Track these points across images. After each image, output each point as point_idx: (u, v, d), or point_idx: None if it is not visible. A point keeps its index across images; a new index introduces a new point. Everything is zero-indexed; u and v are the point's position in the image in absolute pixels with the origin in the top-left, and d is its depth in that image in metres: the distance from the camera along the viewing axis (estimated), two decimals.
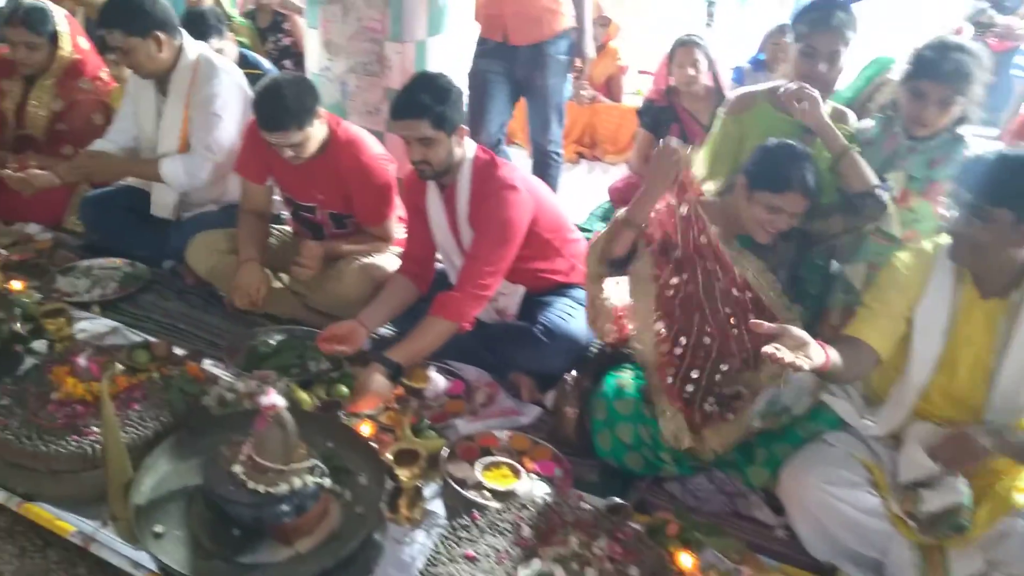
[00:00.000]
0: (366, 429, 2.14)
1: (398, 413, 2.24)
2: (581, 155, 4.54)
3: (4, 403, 2.09)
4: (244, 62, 3.48)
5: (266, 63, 3.85)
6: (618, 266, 2.14)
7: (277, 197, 2.87)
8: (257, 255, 2.68)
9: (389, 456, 2.03)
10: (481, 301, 2.36)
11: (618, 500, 1.93)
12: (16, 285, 2.66)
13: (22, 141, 3.25)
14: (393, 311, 2.51)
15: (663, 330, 2.09)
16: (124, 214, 3.08)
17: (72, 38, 3.24)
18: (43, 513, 1.86)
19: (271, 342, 2.55)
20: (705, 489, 2.07)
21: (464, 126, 2.34)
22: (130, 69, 2.81)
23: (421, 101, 2.24)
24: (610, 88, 4.66)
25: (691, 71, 3.63)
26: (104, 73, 3.31)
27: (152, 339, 2.48)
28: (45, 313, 2.49)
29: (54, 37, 3.15)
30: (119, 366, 2.18)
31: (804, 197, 2.02)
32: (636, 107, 4.53)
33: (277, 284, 2.78)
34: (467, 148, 2.40)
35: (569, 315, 2.46)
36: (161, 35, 2.76)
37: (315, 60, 3.21)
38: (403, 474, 1.99)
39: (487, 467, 2.07)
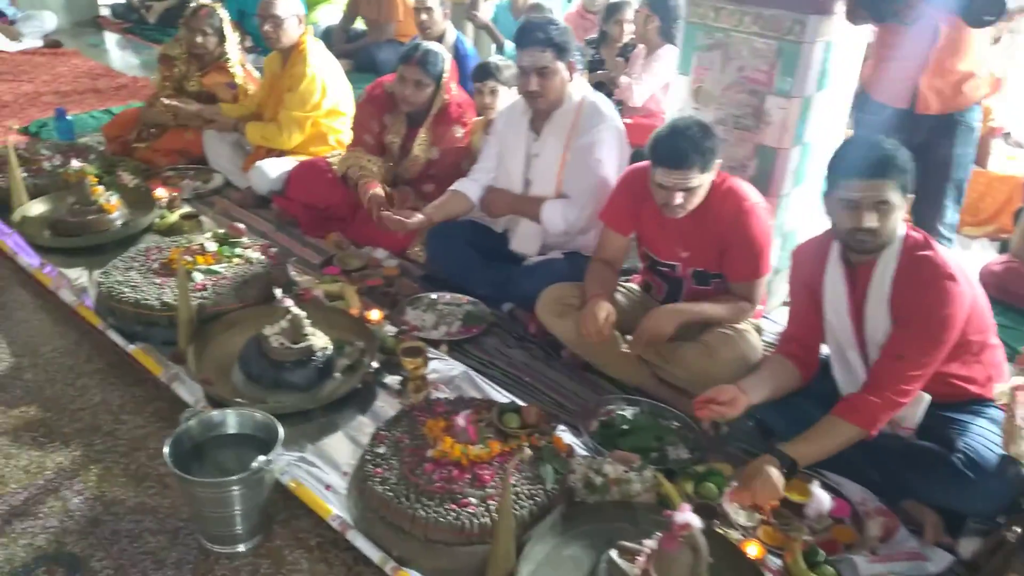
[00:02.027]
0: (753, 550, 1.86)
1: (788, 536, 1.94)
2: None
3: (381, 451, 2.04)
4: None
5: None
6: None
7: None
8: (605, 293, 2.52)
9: None
10: (896, 408, 2.02)
11: None
12: (374, 315, 2.68)
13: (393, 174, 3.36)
14: (776, 391, 2.21)
15: None
16: (468, 249, 3.04)
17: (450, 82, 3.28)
18: None
19: (625, 415, 2.35)
20: None
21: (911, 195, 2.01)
22: (534, 96, 2.72)
23: (896, 163, 1.95)
24: (978, 150, 4.05)
25: None
26: (469, 117, 3.32)
27: (518, 401, 2.36)
28: (405, 351, 2.46)
29: (439, 80, 3.19)
30: (524, 451, 2.05)
31: None
32: (1010, 175, 3.93)
33: (624, 348, 2.57)
34: (899, 225, 2.06)
35: (996, 444, 2.03)
36: (573, 62, 2.73)
37: (678, 108, 3.00)
38: None
39: None
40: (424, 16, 4.45)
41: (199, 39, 3.92)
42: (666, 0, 4.12)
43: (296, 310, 2.34)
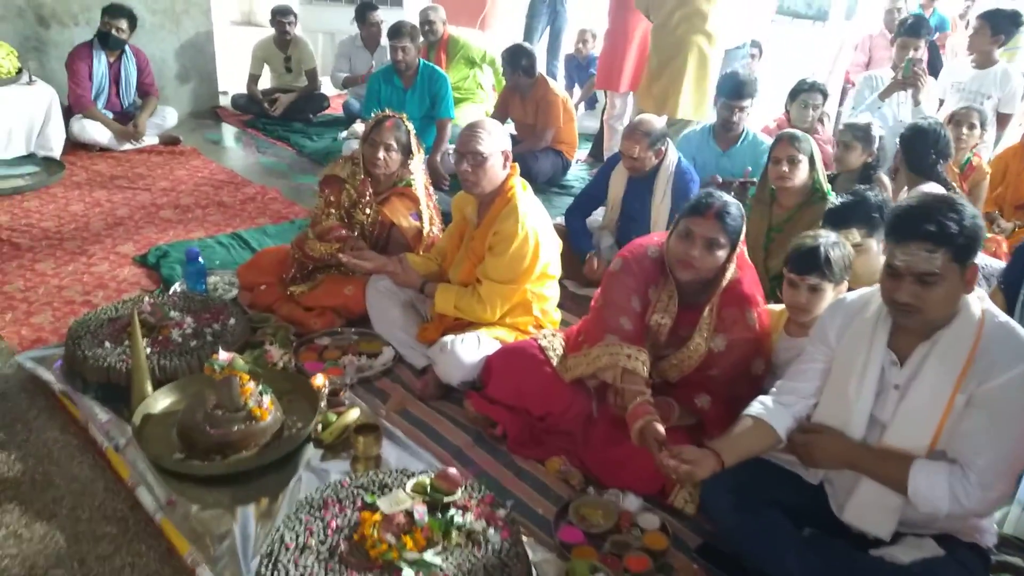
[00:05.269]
0: None
1: None
2: None
3: None
4: None
5: None
6: None
7: None
8: None
9: None
10: None
11: None
12: None
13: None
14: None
15: None
16: (775, 513, 2.05)
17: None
18: None
19: None
20: None
21: None
22: (908, 310, 1.79)
23: None
24: None
25: None
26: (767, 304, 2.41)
27: None
28: None
29: (736, 243, 2.29)
30: None
31: None
32: None
33: None
34: None
35: None
36: (975, 267, 1.80)
37: None
38: None
39: None
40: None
41: (381, 155, 3.12)
42: None
43: None
